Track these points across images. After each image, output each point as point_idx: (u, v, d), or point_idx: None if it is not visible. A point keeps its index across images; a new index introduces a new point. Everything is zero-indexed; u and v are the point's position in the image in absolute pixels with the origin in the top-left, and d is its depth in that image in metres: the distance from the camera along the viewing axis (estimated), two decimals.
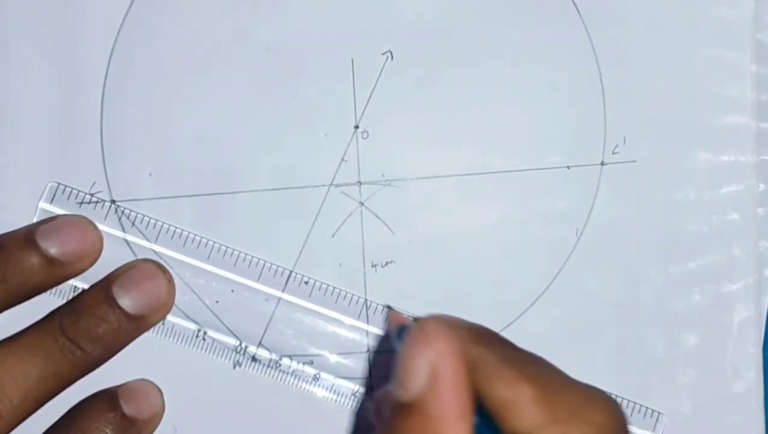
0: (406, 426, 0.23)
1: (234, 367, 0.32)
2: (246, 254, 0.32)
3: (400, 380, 0.23)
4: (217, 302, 0.32)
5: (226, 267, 0.32)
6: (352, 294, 0.32)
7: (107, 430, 0.30)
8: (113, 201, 0.32)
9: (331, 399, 0.32)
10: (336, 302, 0.32)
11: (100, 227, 0.32)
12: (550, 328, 0.33)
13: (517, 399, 0.22)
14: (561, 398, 0.22)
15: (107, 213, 0.32)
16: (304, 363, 0.32)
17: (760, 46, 0.33)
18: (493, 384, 0.22)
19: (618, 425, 0.23)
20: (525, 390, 0.22)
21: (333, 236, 0.33)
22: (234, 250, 0.32)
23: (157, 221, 0.32)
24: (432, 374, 0.22)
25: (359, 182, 0.33)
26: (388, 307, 0.32)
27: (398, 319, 0.31)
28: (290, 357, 0.32)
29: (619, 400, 0.32)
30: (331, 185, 0.33)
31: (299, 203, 0.33)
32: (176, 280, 0.32)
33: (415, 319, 0.24)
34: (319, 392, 0.32)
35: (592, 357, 0.33)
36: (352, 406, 0.32)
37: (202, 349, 0.32)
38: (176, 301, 0.32)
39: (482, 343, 0.23)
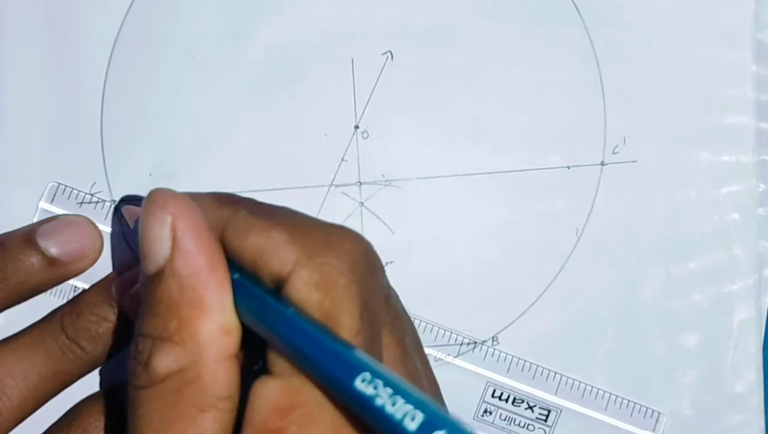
0: (161, 294, 0.22)
1: None
2: None
3: (144, 254, 0.23)
4: None
5: None
6: None
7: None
8: (113, 201, 0.32)
9: None
10: None
11: (100, 227, 0.32)
12: (550, 328, 0.33)
13: (270, 244, 0.22)
14: (312, 236, 0.22)
15: (107, 213, 0.32)
16: None
17: (760, 46, 0.33)
18: (245, 236, 0.23)
19: (368, 251, 0.23)
20: (277, 235, 0.22)
21: None
22: None
23: None
24: (173, 235, 0.23)
25: (359, 182, 0.33)
26: (118, 201, 0.32)
27: (135, 212, 0.30)
28: None
29: (619, 400, 0.32)
30: (331, 185, 0.33)
31: (299, 203, 0.32)
32: None
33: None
34: None
35: (592, 357, 0.33)
36: None
37: None
38: None
39: (227, 204, 0.24)
